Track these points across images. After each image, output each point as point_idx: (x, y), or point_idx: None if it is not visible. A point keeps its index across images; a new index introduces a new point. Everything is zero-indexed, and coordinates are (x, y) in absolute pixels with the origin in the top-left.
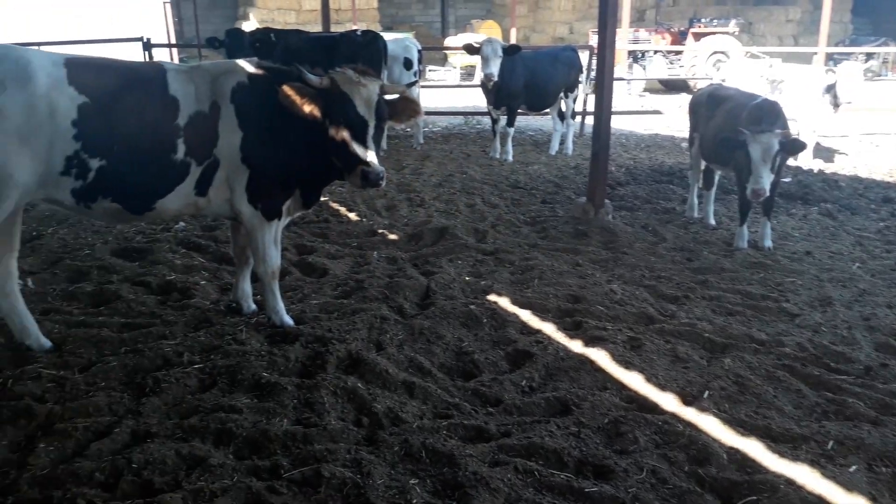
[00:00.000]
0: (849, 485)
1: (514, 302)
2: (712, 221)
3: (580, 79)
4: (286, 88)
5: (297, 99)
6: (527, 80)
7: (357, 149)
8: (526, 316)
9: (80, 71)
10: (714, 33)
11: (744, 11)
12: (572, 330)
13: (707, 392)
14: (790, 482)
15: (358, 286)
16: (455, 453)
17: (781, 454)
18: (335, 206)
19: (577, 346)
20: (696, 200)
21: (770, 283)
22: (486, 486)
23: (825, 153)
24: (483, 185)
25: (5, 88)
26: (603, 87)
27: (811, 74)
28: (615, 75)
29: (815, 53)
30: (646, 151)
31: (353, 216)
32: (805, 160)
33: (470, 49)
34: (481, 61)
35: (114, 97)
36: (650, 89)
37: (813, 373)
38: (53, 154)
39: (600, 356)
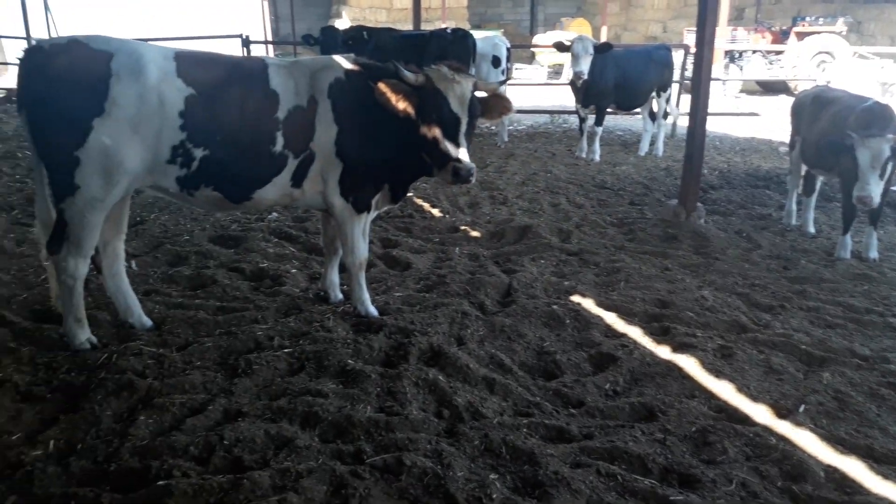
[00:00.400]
0: None
1: (599, 304)
2: (812, 229)
3: (673, 78)
4: (382, 85)
5: (392, 95)
6: (617, 79)
7: (449, 146)
8: (611, 319)
9: (188, 64)
10: (819, 32)
11: (853, 10)
12: (659, 335)
13: (803, 406)
14: None
15: (440, 281)
16: (536, 451)
17: (885, 476)
18: (419, 201)
19: (664, 351)
20: (794, 207)
21: (875, 297)
22: (567, 487)
23: None
24: (568, 185)
25: (120, 80)
26: (700, 86)
27: None
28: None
29: None
30: (741, 155)
31: (436, 212)
32: None
33: (560, 46)
34: (571, 59)
35: (218, 90)
36: (747, 90)
37: None
38: (161, 143)
39: (689, 363)
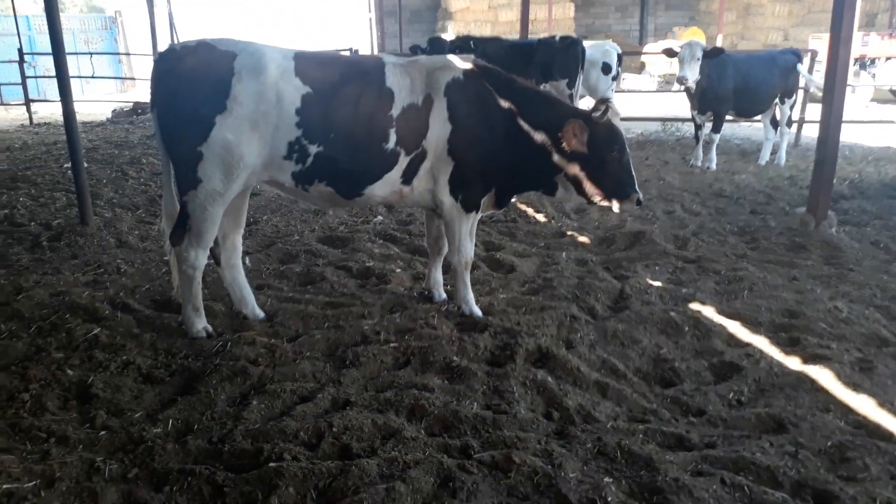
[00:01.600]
0: None
1: (720, 312)
2: None
3: (799, 84)
4: (576, 126)
5: (579, 136)
6: (737, 84)
7: (632, 179)
8: (734, 328)
9: (307, 63)
10: None
11: None
12: (788, 346)
13: None
14: None
15: (546, 284)
16: (654, 457)
17: None
18: (522, 207)
19: (794, 362)
20: None
21: None
22: (688, 495)
23: None
24: (683, 193)
25: (241, 79)
26: (834, 89)
27: None
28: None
29: None
30: (874, 165)
31: (540, 217)
32: None
33: (669, 53)
34: (678, 64)
35: (334, 88)
36: (878, 99)
37: None
38: (278, 139)
39: (822, 375)
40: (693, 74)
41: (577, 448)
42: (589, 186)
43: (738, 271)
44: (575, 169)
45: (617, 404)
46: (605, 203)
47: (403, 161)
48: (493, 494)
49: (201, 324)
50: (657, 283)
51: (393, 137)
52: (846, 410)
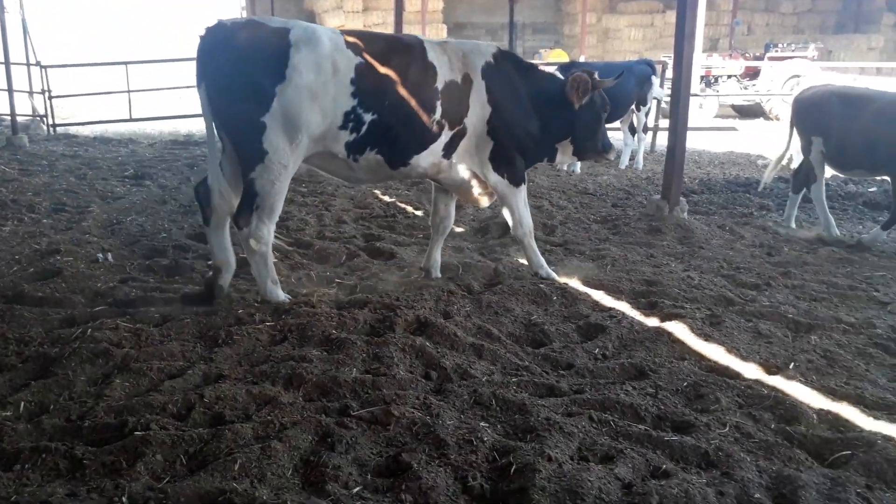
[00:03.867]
0: None
1: (586, 284)
2: (793, 225)
3: (652, 93)
4: (581, 77)
5: (581, 89)
6: None
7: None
8: (598, 296)
9: (354, 37)
10: (792, 58)
11: (823, 39)
12: (647, 309)
13: (793, 364)
14: (888, 438)
15: (422, 270)
16: (526, 403)
17: (876, 418)
18: (402, 204)
19: (652, 321)
20: (829, 216)
21: (857, 277)
22: (559, 430)
23: None
24: (550, 192)
25: (299, 49)
26: (681, 80)
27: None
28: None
29: None
30: (720, 167)
31: (419, 213)
32: None
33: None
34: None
35: (383, 59)
36: (722, 115)
37: None
38: (337, 108)
39: (678, 329)
40: None
41: (454, 400)
42: (588, 142)
43: (602, 251)
44: (576, 129)
45: (492, 363)
46: (596, 157)
47: (447, 135)
48: (371, 446)
49: (283, 294)
50: (526, 262)
51: (439, 109)
52: (699, 357)
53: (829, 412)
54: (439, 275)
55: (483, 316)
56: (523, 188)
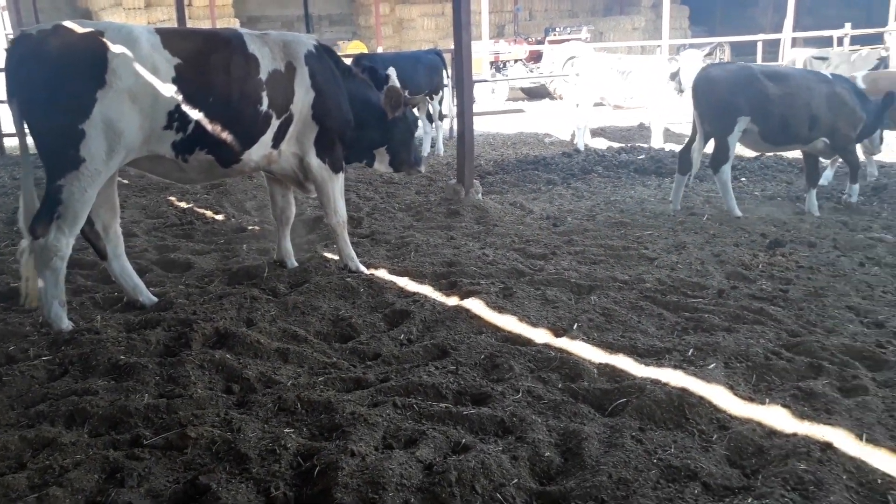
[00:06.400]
0: (708, 378)
1: (392, 272)
2: (678, 206)
3: (445, 82)
4: (395, 92)
5: (395, 103)
6: (387, 82)
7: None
8: (403, 282)
9: (170, 36)
10: (568, 40)
11: (594, 21)
12: (448, 289)
13: (576, 324)
14: (655, 382)
15: (225, 274)
16: (332, 401)
17: (647, 364)
18: (200, 210)
19: (453, 300)
20: (731, 194)
21: (630, 237)
22: (364, 423)
23: (674, 136)
24: (357, 184)
25: (117, 53)
26: (462, 68)
27: (657, 63)
28: (479, 77)
29: (659, 46)
30: (512, 148)
31: (219, 217)
32: (656, 141)
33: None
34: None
35: (203, 55)
36: (513, 98)
37: (672, 300)
38: (157, 109)
39: (475, 305)
40: None
41: (257, 411)
42: (402, 154)
43: (406, 238)
44: (391, 139)
45: (298, 366)
46: (409, 169)
47: (275, 124)
48: (167, 473)
49: (67, 321)
50: (336, 257)
51: (265, 100)
52: (495, 329)
53: (607, 365)
54: (295, 263)
55: (289, 318)
56: (341, 176)
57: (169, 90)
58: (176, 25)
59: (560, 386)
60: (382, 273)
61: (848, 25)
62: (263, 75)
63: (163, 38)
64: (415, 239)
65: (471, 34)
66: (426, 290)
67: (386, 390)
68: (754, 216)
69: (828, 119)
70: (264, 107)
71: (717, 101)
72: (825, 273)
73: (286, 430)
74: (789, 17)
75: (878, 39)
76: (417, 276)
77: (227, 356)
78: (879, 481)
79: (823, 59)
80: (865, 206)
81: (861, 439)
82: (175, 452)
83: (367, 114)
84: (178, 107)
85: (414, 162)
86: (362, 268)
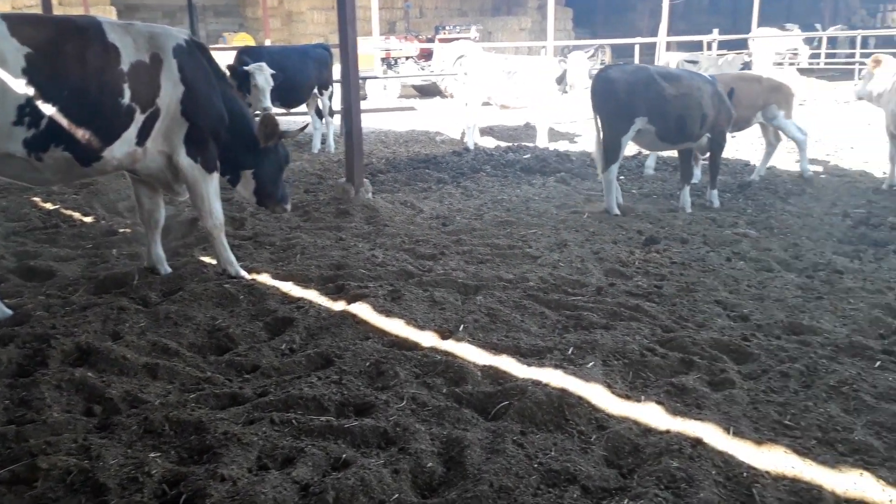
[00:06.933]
0: (587, 377)
1: (275, 276)
2: (617, 210)
3: (334, 77)
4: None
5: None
6: (276, 76)
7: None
8: (287, 287)
9: (18, 23)
10: (458, 39)
11: (483, 21)
12: (335, 293)
13: (462, 326)
14: (536, 383)
15: (91, 283)
16: (204, 420)
17: (529, 364)
18: (67, 211)
19: (339, 305)
20: (614, 194)
21: (515, 236)
22: (237, 443)
23: (559, 136)
24: None
25: None
26: (348, 64)
27: (543, 64)
28: (370, 74)
29: (544, 47)
30: (404, 146)
31: (88, 219)
32: (541, 140)
33: (236, 74)
34: (259, 92)
35: (57, 45)
36: (405, 95)
37: (554, 298)
38: (6, 104)
39: (362, 309)
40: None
41: (120, 434)
42: (269, 187)
43: (292, 240)
44: (260, 166)
45: (169, 382)
46: (273, 206)
47: (139, 119)
48: None
49: None
50: (213, 262)
51: (127, 93)
52: (382, 334)
53: (491, 367)
54: (169, 269)
55: (160, 330)
56: (216, 176)
57: (18, 83)
58: (41, 12)
59: (445, 391)
60: (265, 278)
61: (716, 31)
62: (125, 66)
63: (10, 25)
64: (301, 240)
65: (356, 29)
66: (311, 294)
67: (263, 405)
68: (631, 214)
69: (712, 117)
70: (126, 100)
71: (615, 102)
72: (696, 268)
73: (151, 455)
74: (664, 22)
75: (743, 45)
76: (302, 281)
77: (89, 374)
78: (745, 474)
79: (694, 62)
80: (733, 202)
81: (728, 432)
82: (23, 487)
83: (238, 128)
84: (29, 100)
85: (280, 199)
86: (243, 272)
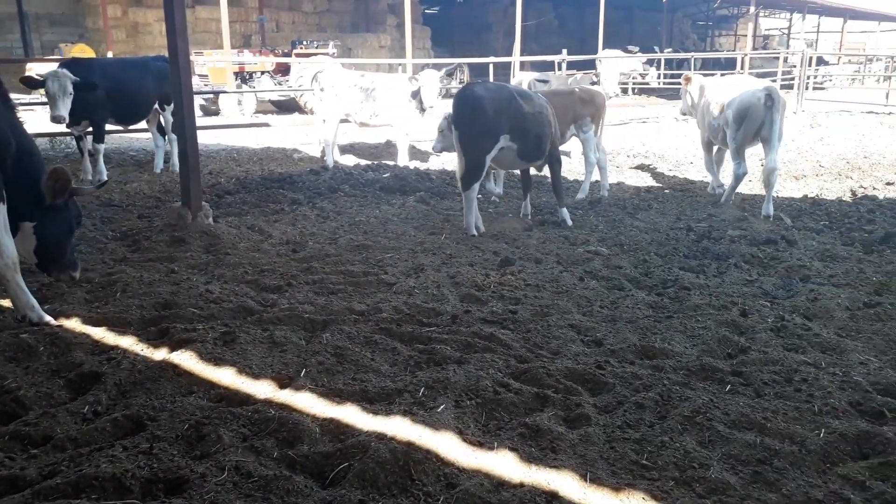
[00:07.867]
0: (437, 424)
1: (87, 321)
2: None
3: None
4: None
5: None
6: (111, 90)
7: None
8: (100, 334)
9: None
10: (315, 54)
11: (342, 37)
12: (157, 339)
13: (304, 370)
14: (381, 437)
15: None
16: None
17: (376, 413)
18: None
19: (160, 353)
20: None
21: (371, 261)
22: None
23: (419, 154)
24: None
25: None
26: (180, 78)
27: (398, 82)
28: (222, 88)
29: (402, 65)
30: (258, 164)
31: None
32: (402, 159)
33: (30, 83)
34: (49, 100)
35: None
36: (262, 111)
37: (407, 330)
38: None
39: (185, 358)
40: (66, 110)
41: None
42: (52, 250)
43: (114, 275)
44: (42, 221)
45: None
46: (58, 272)
47: None
48: None
49: None
50: (13, 311)
51: None
52: (209, 386)
53: (332, 420)
54: None
55: None
56: (2, 208)
57: None
58: None
59: (276, 455)
60: (75, 323)
61: (564, 52)
62: None
63: None
64: (125, 275)
65: (187, 40)
66: (128, 342)
67: (48, 491)
68: (488, 233)
69: (552, 134)
70: None
71: (482, 119)
72: (549, 290)
73: None
74: (517, 43)
75: (591, 65)
76: (119, 325)
77: None
78: None
79: (545, 81)
80: (585, 219)
81: (586, 479)
82: None
83: (23, 169)
84: None
85: (68, 265)
86: (47, 318)
